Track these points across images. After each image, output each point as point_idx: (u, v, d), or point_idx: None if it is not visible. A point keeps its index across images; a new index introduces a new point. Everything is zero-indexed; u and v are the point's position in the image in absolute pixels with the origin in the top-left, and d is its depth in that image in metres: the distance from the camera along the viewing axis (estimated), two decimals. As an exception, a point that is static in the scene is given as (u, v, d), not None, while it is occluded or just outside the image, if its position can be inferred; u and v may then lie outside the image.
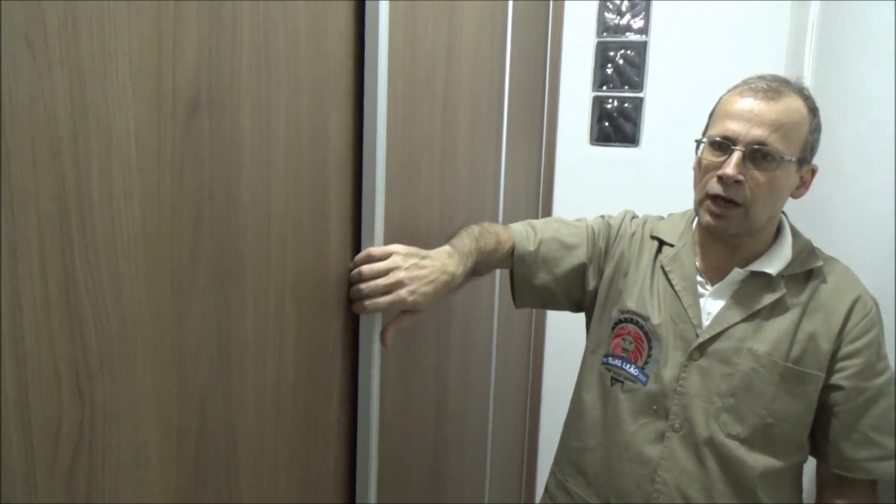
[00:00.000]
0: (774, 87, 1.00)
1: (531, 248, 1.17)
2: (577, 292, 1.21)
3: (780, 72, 2.14)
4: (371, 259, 0.90)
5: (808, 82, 1.80)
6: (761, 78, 1.04)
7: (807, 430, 1.06)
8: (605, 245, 1.20)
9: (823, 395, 1.04)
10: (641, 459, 1.09)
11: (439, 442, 1.36)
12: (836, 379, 1.03)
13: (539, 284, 1.19)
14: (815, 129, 1.03)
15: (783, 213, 1.10)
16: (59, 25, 0.45)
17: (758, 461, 1.03)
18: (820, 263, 1.06)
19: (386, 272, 0.90)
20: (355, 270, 0.89)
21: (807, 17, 1.87)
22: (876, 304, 1.05)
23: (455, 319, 1.39)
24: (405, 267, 0.91)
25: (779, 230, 1.09)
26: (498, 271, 1.72)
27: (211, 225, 0.63)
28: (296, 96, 0.75)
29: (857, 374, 1.02)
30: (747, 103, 1.00)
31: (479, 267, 1.10)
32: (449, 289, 0.99)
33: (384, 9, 0.87)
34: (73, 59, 0.46)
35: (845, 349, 1.02)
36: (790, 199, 1.05)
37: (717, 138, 1.01)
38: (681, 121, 2.26)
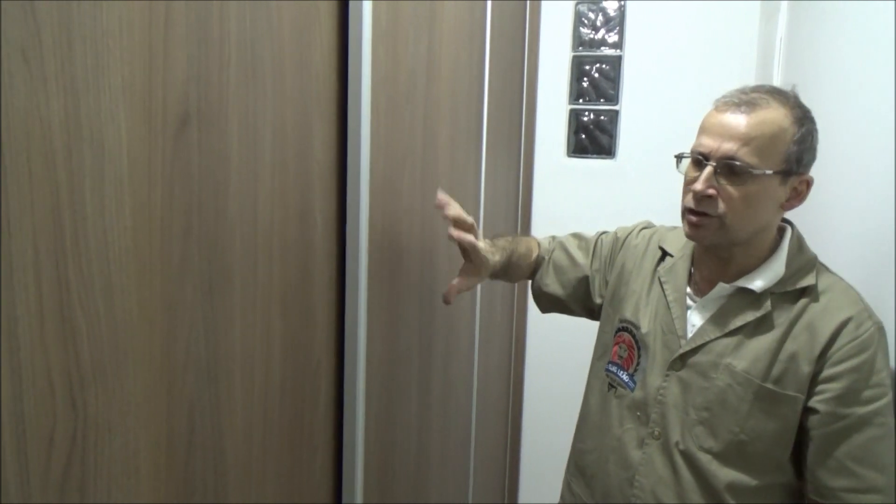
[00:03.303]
0: (751, 98, 0.99)
1: (547, 257, 1.30)
2: (587, 301, 1.29)
3: (751, 81, 2.20)
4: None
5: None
6: (741, 90, 1.02)
7: (786, 450, 1.03)
8: (609, 256, 1.25)
9: (803, 417, 1.01)
10: (625, 463, 1.12)
11: (423, 444, 1.37)
12: (813, 402, 0.99)
13: (550, 292, 1.30)
14: (803, 139, 0.99)
15: (791, 225, 1.08)
16: (54, 42, 0.46)
17: (728, 475, 1.03)
18: (813, 282, 1.02)
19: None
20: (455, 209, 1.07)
21: (775, 29, 1.93)
22: (878, 327, 0.99)
23: (437, 326, 1.41)
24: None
25: (779, 244, 1.06)
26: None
27: (199, 236, 0.64)
28: (281, 110, 0.76)
29: (835, 398, 0.97)
30: (720, 117, 1.00)
31: (511, 267, 1.23)
32: (489, 272, 1.16)
33: (367, 24, 0.89)
34: (68, 74, 0.47)
35: (826, 372, 0.98)
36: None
37: (694, 154, 1.02)
38: (656, 132, 2.30)
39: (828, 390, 0.98)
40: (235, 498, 0.72)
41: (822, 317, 1.00)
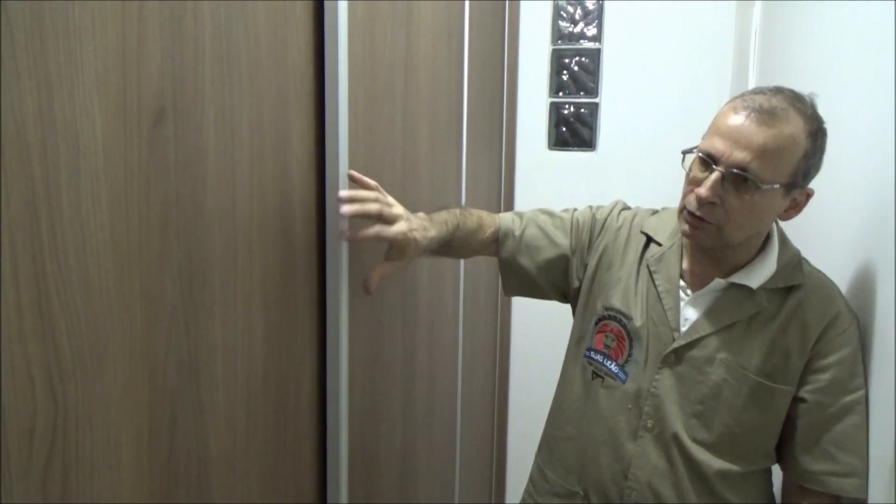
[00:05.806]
0: (772, 107, 0.93)
1: (516, 232, 1.21)
2: (561, 283, 1.22)
3: (727, 73, 2.23)
4: (363, 184, 0.98)
5: (752, 83, 1.88)
6: (763, 93, 0.96)
7: (774, 439, 1.07)
8: (588, 238, 1.19)
9: (790, 406, 1.05)
10: (616, 455, 1.11)
11: (408, 440, 1.38)
12: (802, 392, 1.03)
13: (523, 272, 1.21)
14: (814, 154, 0.96)
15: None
16: (26, 37, 0.46)
17: (719, 465, 1.05)
18: (802, 281, 1.04)
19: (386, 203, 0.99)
20: (362, 192, 0.96)
21: (750, 23, 1.96)
22: (856, 320, 1.03)
23: (421, 319, 1.41)
24: (401, 208, 1.00)
25: (767, 240, 1.07)
26: (462, 271, 1.75)
27: (178, 230, 0.64)
28: (258, 104, 0.77)
29: (822, 388, 1.02)
30: (737, 121, 0.94)
31: (457, 242, 1.15)
32: (425, 249, 1.06)
33: (343, 18, 0.90)
34: (41, 70, 0.47)
35: (815, 364, 1.02)
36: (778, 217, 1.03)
37: (702, 154, 0.98)
38: (636, 124, 2.32)
39: (817, 381, 1.02)
40: (219, 492, 0.73)
41: (812, 312, 1.03)
